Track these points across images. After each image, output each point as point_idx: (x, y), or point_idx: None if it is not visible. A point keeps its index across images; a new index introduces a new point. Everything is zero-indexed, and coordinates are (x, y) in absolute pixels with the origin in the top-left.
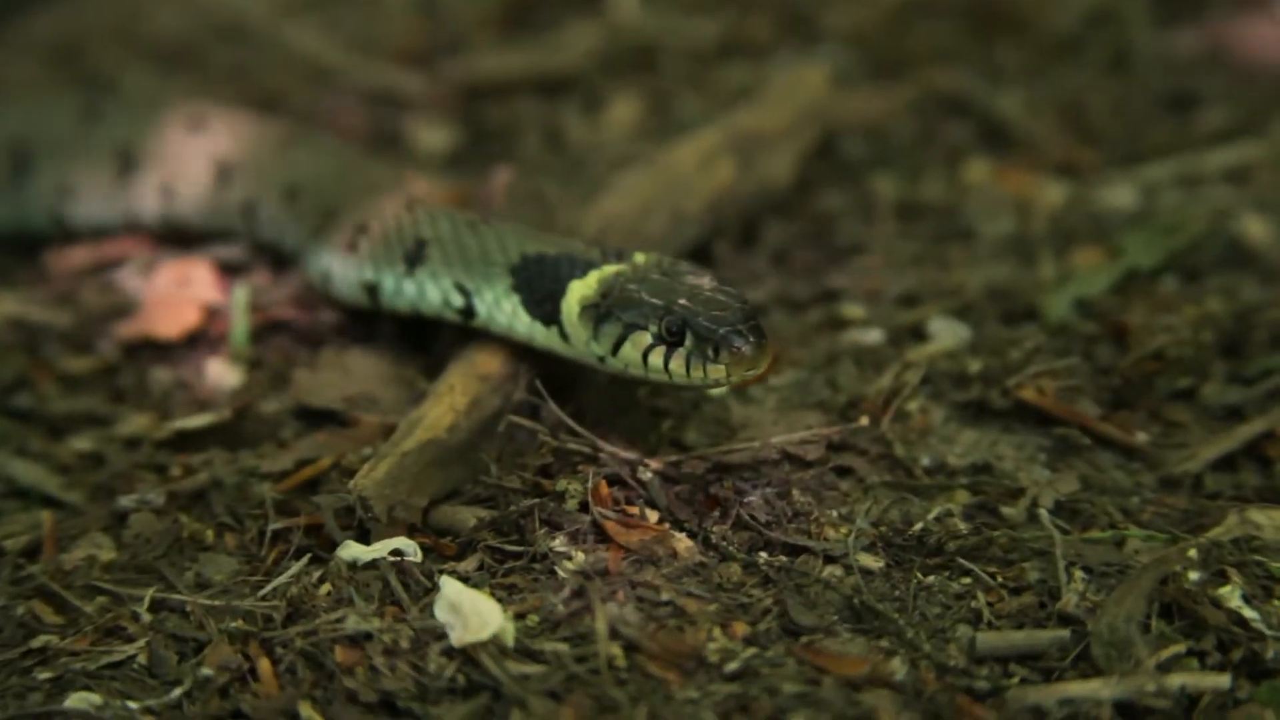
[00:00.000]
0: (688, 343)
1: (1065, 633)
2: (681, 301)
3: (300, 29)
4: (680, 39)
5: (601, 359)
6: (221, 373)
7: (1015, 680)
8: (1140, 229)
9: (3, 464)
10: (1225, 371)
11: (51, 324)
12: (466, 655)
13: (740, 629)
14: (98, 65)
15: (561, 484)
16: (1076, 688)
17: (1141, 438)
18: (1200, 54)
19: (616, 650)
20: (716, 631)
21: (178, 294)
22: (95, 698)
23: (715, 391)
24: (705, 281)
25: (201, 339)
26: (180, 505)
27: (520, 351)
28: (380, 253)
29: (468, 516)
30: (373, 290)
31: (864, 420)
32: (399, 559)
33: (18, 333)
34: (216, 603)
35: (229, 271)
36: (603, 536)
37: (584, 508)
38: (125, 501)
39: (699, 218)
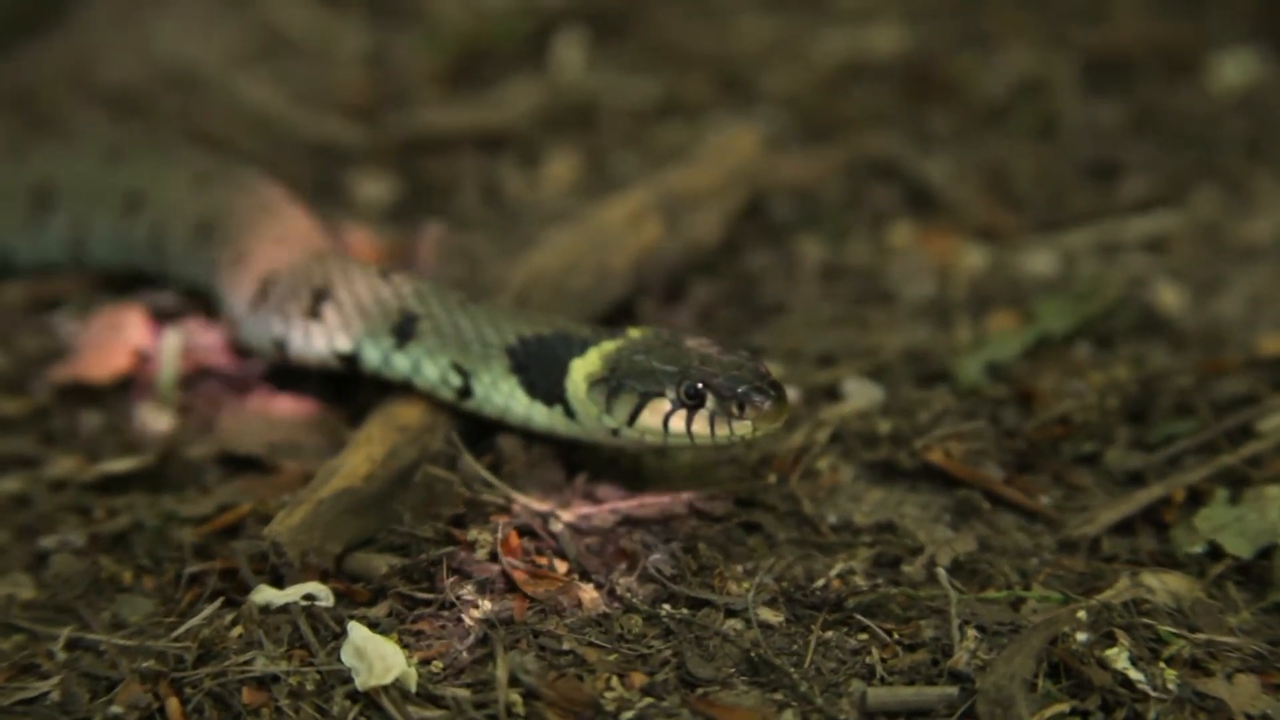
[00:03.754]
0: (709, 404)
1: (954, 690)
2: (697, 365)
3: (250, 79)
4: (620, 98)
5: (616, 431)
6: (150, 417)
7: None
8: (1055, 295)
9: None
10: (1129, 437)
11: None
12: (370, 699)
13: (638, 679)
14: (52, 111)
15: (473, 533)
16: None
17: (1043, 501)
18: (1125, 123)
19: (516, 697)
20: (615, 681)
21: (110, 338)
22: None
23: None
24: (710, 346)
25: (132, 384)
26: (101, 547)
27: (438, 404)
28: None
29: (380, 564)
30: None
31: (773, 478)
32: (310, 603)
33: None
34: (130, 643)
35: (161, 317)
36: (511, 586)
37: (494, 557)
38: (47, 542)
39: (624, 275)
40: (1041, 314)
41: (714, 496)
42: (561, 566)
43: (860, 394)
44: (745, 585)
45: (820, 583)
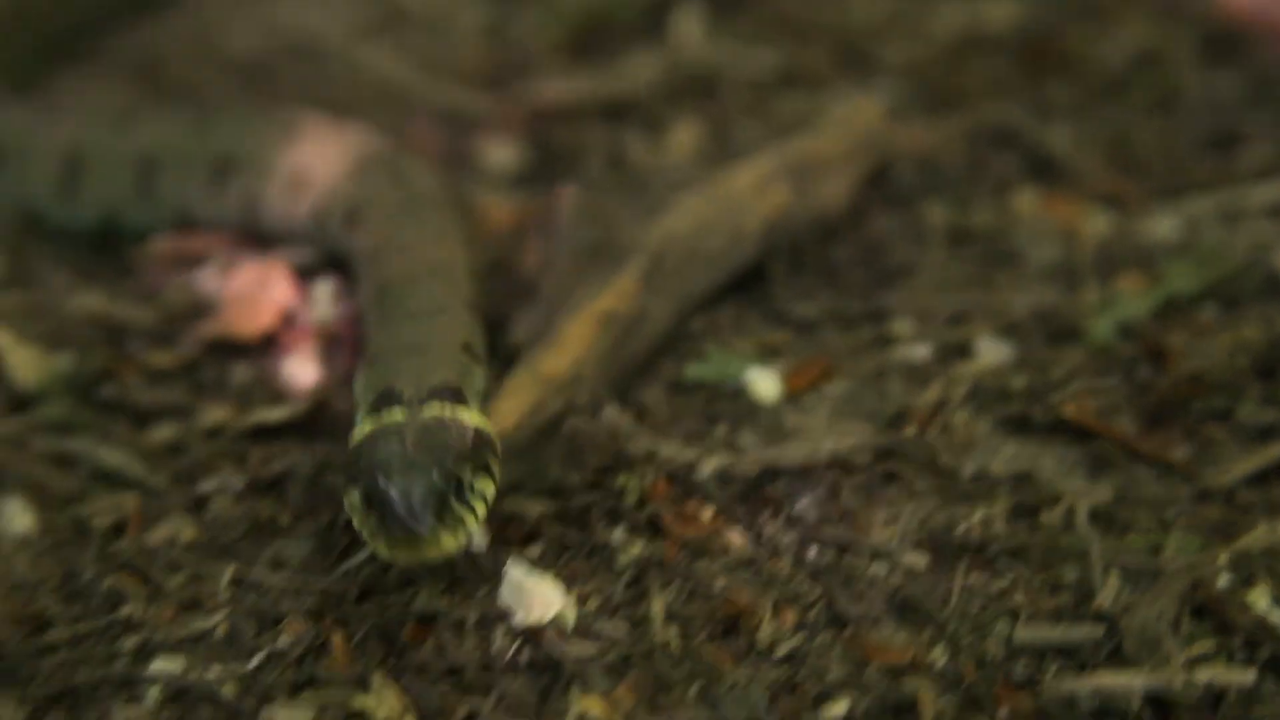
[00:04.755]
0: (374, 512)
1: (1099, 629)
2: (386, 465)
3: (373, 50)
4: (741, 69)
5: None
6: (297, 370)
7: (1051, 672)
8: (1181, 259)
9: (90, 450)
10: (1260, 393)
11: (135, 321)
12: (529, 635)
13: (789, 617)
14: (178, 82)
15: (621, 480)
16: (1109, 678)
17: (1178, 454)
18: (1244, 94)
19: (671, 634)
20: (766, 619)
21: (256, 295)
22: (177, 665)
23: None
24: (428, 448)
25: (278, 339)
26: (258, 492)
27: (587, 351)
28: None
29: (531, 509)
30: None
31: (911, 430)
32: (467, 544)
33: (102, 328)
34: (292, 581)
35: (304, 274)
36: (659, 531)
37: (642, 503)
38: (205, 486)
39: (755, 238)
40: (1168, 276)
41: (854, 447)
42: (707, 513)
43: (992, 352)
44: (889, 531)
45: (961, 529)
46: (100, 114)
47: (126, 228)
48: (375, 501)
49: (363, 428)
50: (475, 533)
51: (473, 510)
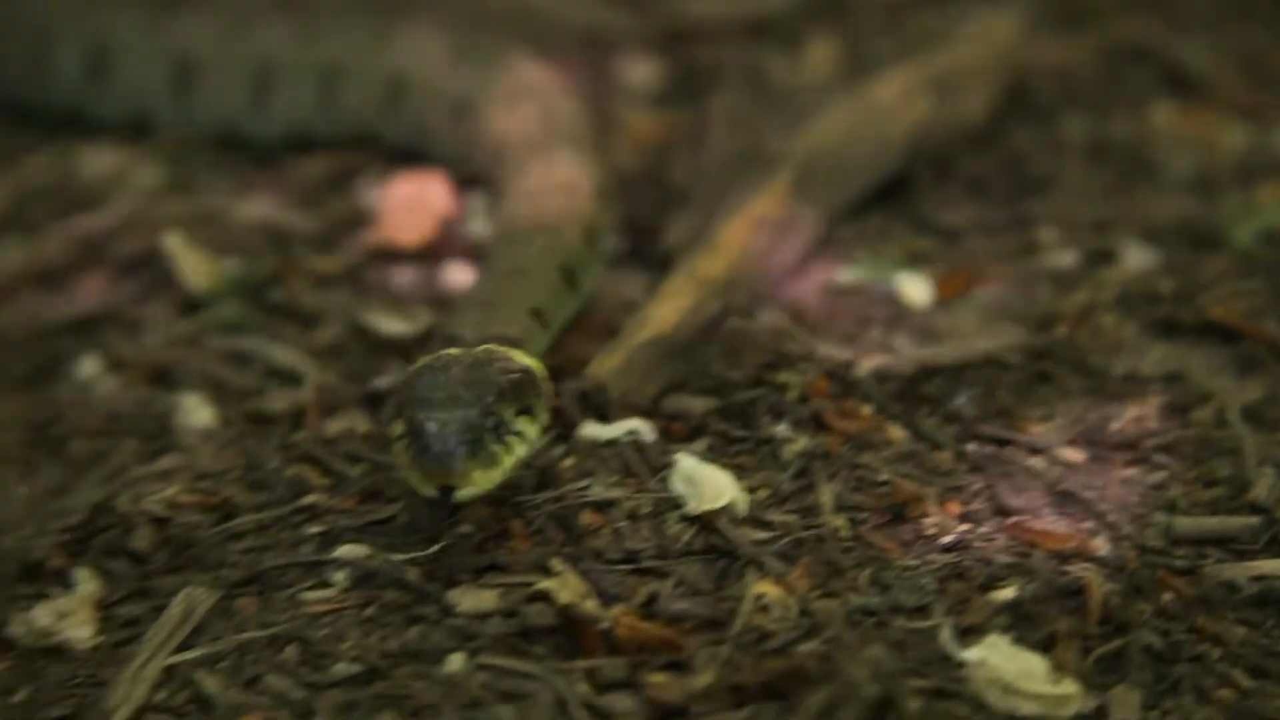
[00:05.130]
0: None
1: (1256, 520)
2: (429, 399)
3: None
4: None
5: None
6: (456, 277)
7: (1210, 560)
8: None
9: (262, 348)
10: None
11: (299, 228)
12: (703, 522)
13: (953, 508)
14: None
15: (782, 377)
16: (1269, 565)
17: None
18: None
19: (840, 522)
20: (932, 509)
21: (415, 205)
22: (363, 549)
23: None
24: (470, 382)
25: (438, 248)
26: None
27: (743, 254)
28: None
29: (695, 405)
30: None
31: (1061, 332)
32: (635, 437)
33: (268, 235)
34: None
35: (462, 184)
36: (821, 426)
37: (804, 399)
38: (380, 382)
39: (899, 149)
40: None
41: (1006, 348)
42: (866, 410)
43: (1137, 257)
44: (1044, 427)
45: (1115, 426)
46: (288, 25)
47: (310, 140)
48: (412, 433)
49: (415, 364)
50: (510, 472)
51: (510, 449)
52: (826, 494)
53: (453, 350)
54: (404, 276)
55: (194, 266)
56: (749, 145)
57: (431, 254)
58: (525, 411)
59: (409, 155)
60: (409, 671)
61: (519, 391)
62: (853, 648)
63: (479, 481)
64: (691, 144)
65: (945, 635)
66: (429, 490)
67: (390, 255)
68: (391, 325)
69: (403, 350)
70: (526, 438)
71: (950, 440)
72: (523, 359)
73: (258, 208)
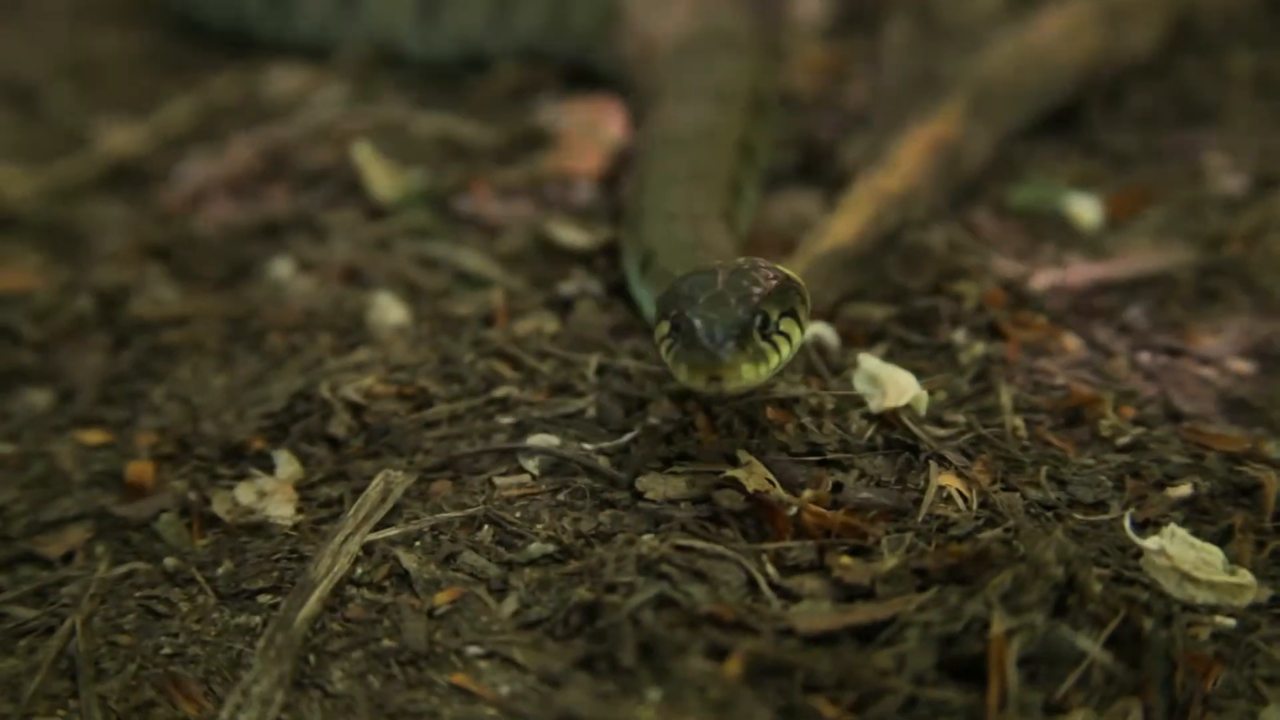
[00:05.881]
0: (679, 339)
1: None
2: (698, 299)
3: None
4: None
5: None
6: None
7: None
8: None
9: (449, 253)
10: None
11: (479, 142)
12: (884, 419)
13: (1128, 412)
14: None
15: (960, 287)
16: None
17: None
18: None
19: (1018, 422)
20: (1107, 411)
21: (591, 132)
22: (554, 439)
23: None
24: (741, 287)
25: (612, 172)
26: (612, 296)
27: (919, 171)
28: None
29: (875, 312)
30: None
31: (1231, 251)
32: (818, 340)
33: (449, 148)
34: (654, 367)
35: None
36: (997, 333)
37: (980, 309)
38: (566, 288)
39: (1069, 78)
40: None
41: (1177, 264)
42: (1040, 320)
43: None
44: (1215, 340)
45: None
46: None
47: (480, 59)
48: (681, 329)
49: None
50: (776, 370)
51: (776, 349)
52: (1005, 395)
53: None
54: (582, 193)
55: (380, 176)
56: (923, 72)
57: (606, 178)
58: (789, 314)
59: (580, 75)
60: (603, 551)
61: (783, 295)
62: (1035, 535)
63: (746, 375)
64: (866, 71)
65: (1125, 525)
66: (697, 383)
67: (569, 175)
68: (572, 237)
69: (584, 259)
70: (791, 339)
71: (1124, 350)
72: (783, 268)
73: (440, 121)
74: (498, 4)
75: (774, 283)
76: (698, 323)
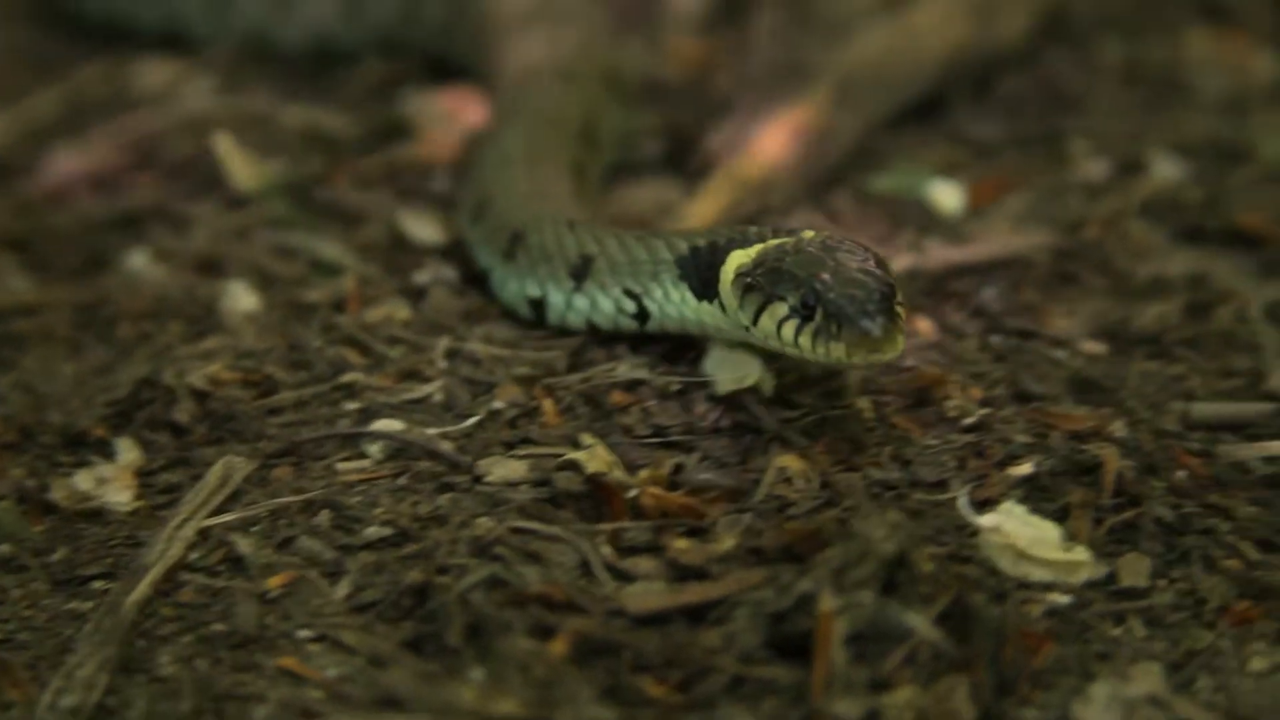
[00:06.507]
0: (818, 319)
1: (1272, 406)
2: (823, 276)
3: None
4: None
5: (747, 328)
6: None
7: (1224, 444)
8: None
9: (306, 242)
10: None
11: (341, 133)
12: (729, 401)
13: (976, 393)
14: None
15: None
16: None
17: None
18: None
19: (865, 403)
20: (955, 392)
21: (451, 121)
22: (398, 424)
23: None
24: (858, 259)
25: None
26: (467, 283)
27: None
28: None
29: None
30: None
31: (1088, 235)
32: None
33: (312, 139)
34: (505, 352)
35: None
36: None
37: None
38: (420, 276)
39: (936, 67)
40: None
41: (1033, 247)
42: None
43: (1166, 169)
44: (1068, 322)
45: (1138, 322)
46: None
47: (334, 50)
48: (827, 309)
49: (747, 252)
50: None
51: (902, 317)
52: (852, 377)
53: (783, 238)
54: (439, 182)
55: (241, 167)
56: (790, 60)
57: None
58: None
59: (444, 68)
60: (438, 534)
61: (886, 266)
62: (874, 513)
63: (900, 345)
64: (735, 61)
65: (961, 503)
66: (856, 359)
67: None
68: (424, 232)
69: (438, 253)
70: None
71: (976, 333)
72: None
73: (303, 112)
74: None
75: (871, 255)
76: (846, 301)
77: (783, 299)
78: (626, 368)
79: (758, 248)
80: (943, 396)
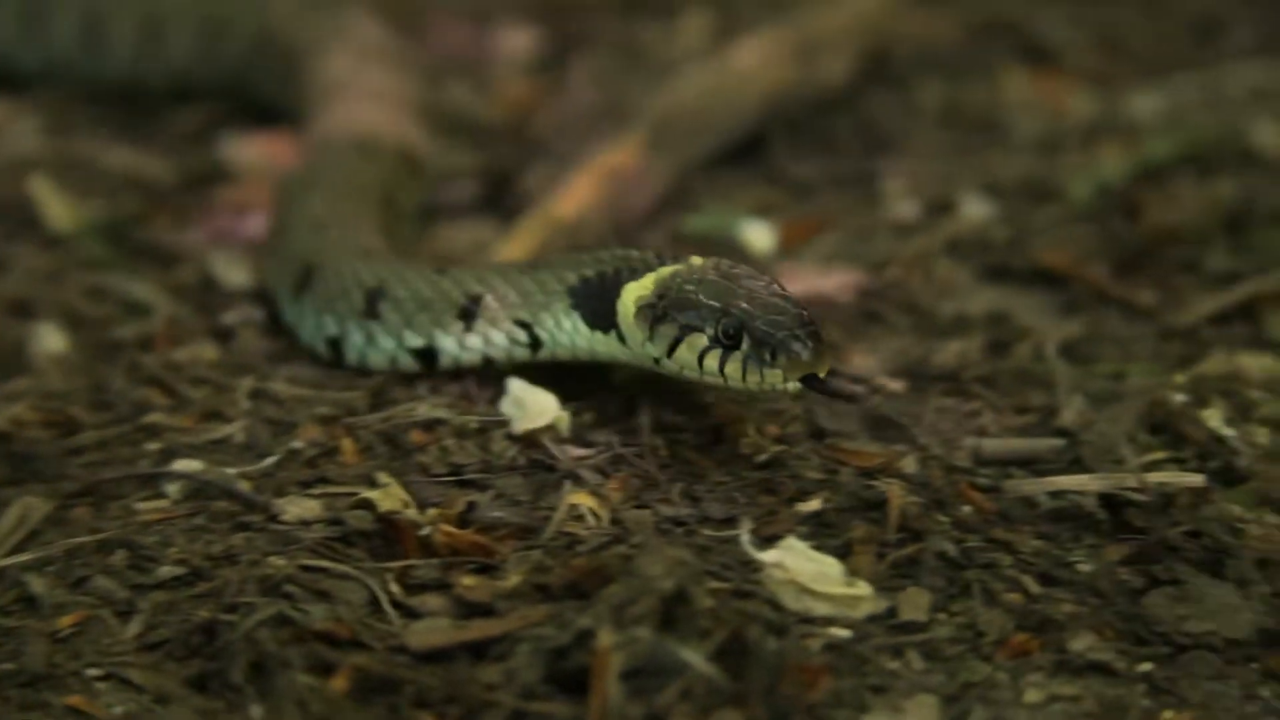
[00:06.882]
0: (744, 346)
1: (1061, 441)
2: (740, 304)
3: None
4: None
5: (657, 360)
6: None
7: (1013, 479)
8: (1161, 132)
9: (119, 283)
10: (1227, 244)
11: (160, 177)
12: (528, 440)
13: (772, 430)
14: None
15: None
16: (1066, 481)
17: (1146, 298)
18: None
19: (659, 441)
20: (750, 429)
21: (268, 167)
22: (197, 464)
23: (784, 389)
24: (762, 285)
25: None
26: (276, 324)
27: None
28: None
29: None
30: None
31: (893, 275)
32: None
33: (131, 181)
34: (307, 392)
35: None
36: None
37: None
38: (228, 317)
39: (756, 109)
40: (1147, 145)
41: (838, 287)
42: None
43: (975, 209)
44: (868, 359)
45: (938, 359)
46: None
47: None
48: (753, 336)
49: (643, 283)
50: None
51: None
52: (647, 415)
53: (678, 266)
54: (253, 225)
55: (58, 208)
56: (610, 102)
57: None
58: None
59: (273, 112)
60: (229, 573)
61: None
62: (655, 550)
63: (829, 363)
64: (556, 102)
65: (744, 539)
66: (790, 384)
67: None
68: (233, 276)
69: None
70: None
71: None
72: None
73: (124, 155)
74: (149, 33)
75: (770, 278)
76: (773, 328)
77: (699, 329)
78: (427, 407)
79: (651, 277)
80: (738, 434)
